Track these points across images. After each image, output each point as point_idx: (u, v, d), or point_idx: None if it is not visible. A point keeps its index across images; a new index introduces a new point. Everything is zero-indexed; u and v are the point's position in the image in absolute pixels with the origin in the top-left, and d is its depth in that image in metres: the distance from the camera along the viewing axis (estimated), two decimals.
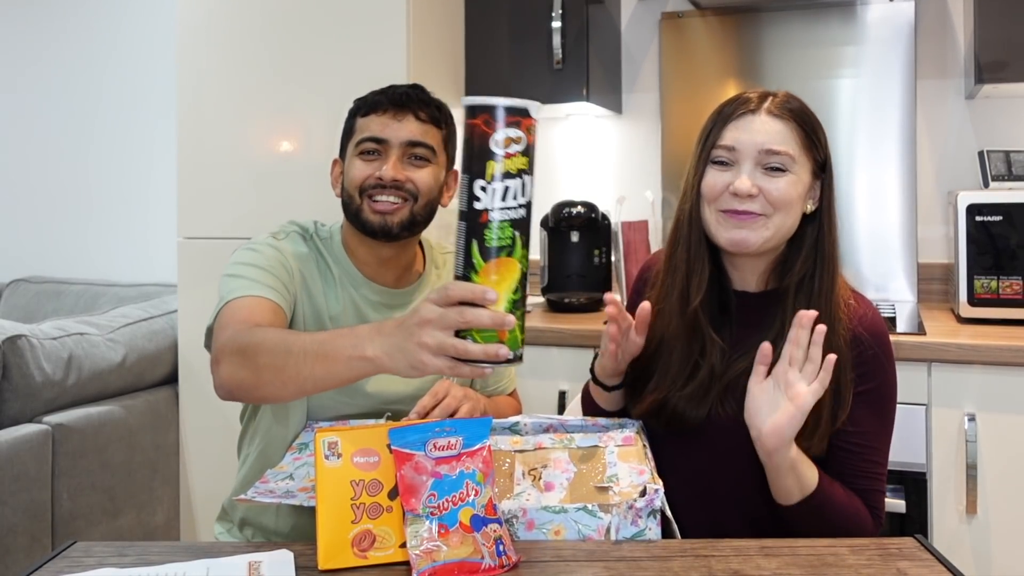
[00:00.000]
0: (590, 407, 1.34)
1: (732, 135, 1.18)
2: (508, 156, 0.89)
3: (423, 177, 1.36)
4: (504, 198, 0.90)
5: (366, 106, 1.38)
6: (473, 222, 0.90)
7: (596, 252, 2.35)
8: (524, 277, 0.92)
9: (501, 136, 0.89)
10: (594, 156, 2.68)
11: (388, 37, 2.13)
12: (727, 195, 1.18)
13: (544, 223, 2.38)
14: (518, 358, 0.93)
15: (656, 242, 2.38)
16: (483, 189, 0.89)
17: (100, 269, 3.22)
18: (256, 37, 2.25)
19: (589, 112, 2.60)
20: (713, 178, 1.19)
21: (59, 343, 2.18)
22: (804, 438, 1.12)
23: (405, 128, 1.35)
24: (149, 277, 3.07)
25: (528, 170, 0.91)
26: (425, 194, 1.36)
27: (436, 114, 1.39)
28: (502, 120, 0.89)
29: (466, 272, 0.90)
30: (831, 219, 1.21)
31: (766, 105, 1.18)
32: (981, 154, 2.16)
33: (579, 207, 2.34)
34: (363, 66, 2.14)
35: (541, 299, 2.43)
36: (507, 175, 0.90)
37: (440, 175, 1.40)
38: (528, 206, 0.92)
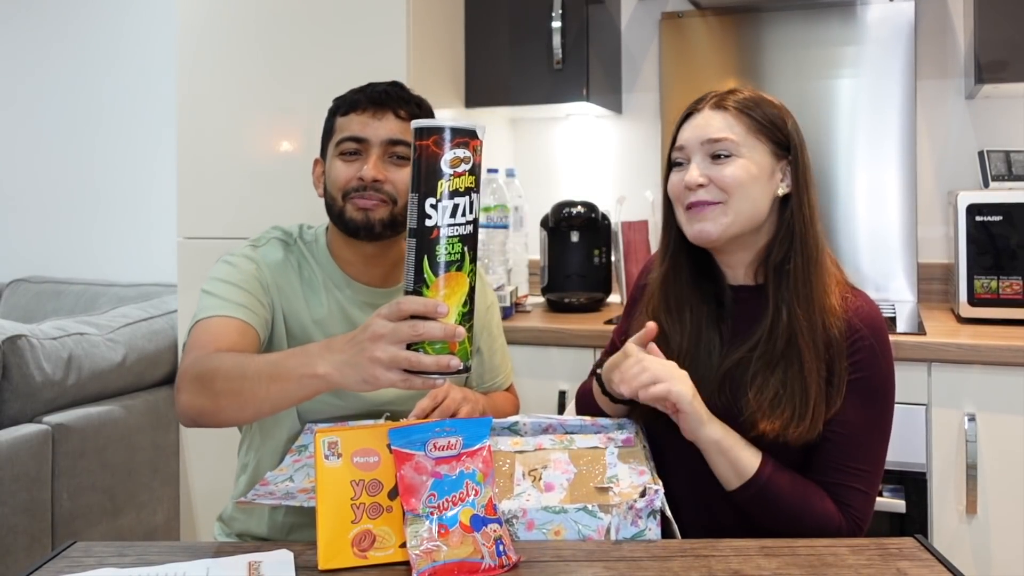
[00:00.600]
0: (587, 410, 1.35)
1: (681, 135, 1.25)
2: (457, 175, 0.93)
3: (402, 178, 1.34)
4: (453, 215, 0.93)
5: (345, 105, 1.38)
6: (424, 238, 0.93)
7: (596, 252, 2.35)
8: (472, 290, 0.95)
9: (450, 156, 0.92)
10: (594, 156, 2.68)
11: (388, 37, 2.13)
12: (683, 191, 1.22)
13: (544, 223, 2.38)
14: (467, 368, 0.96)
15: (656, 242, 2.38)
16: (433, 207, 0.93)
17: (100, 269, 3.22)
18: (256, 37, 2.25)
19: (589, 112, 2.60)
20: (672, 179, 1.26)
21: (59, 343, 2.18)
22: (796, 421, 1.14)
23: (384, 127, 1.34)
24: (149, 277, 3.07)
25: (475, 188, 0.94)
26: (404, 194, 1.35)
27: (416, 111, 1.39)
28: (451, 141, 0.92)
29: (417, 287, 0.93)
30: (801, 199, 1.21)
31: (711, 102, 1.23)
32: (981, 154, 2.16)
33: (579, 207, 2.34)
34: (363, 66, 2.14)
35: (541, 299, 2.43)
36: (455, 193, 0.93)
37: None
38: (475, 222, 0.95)
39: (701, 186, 1.20)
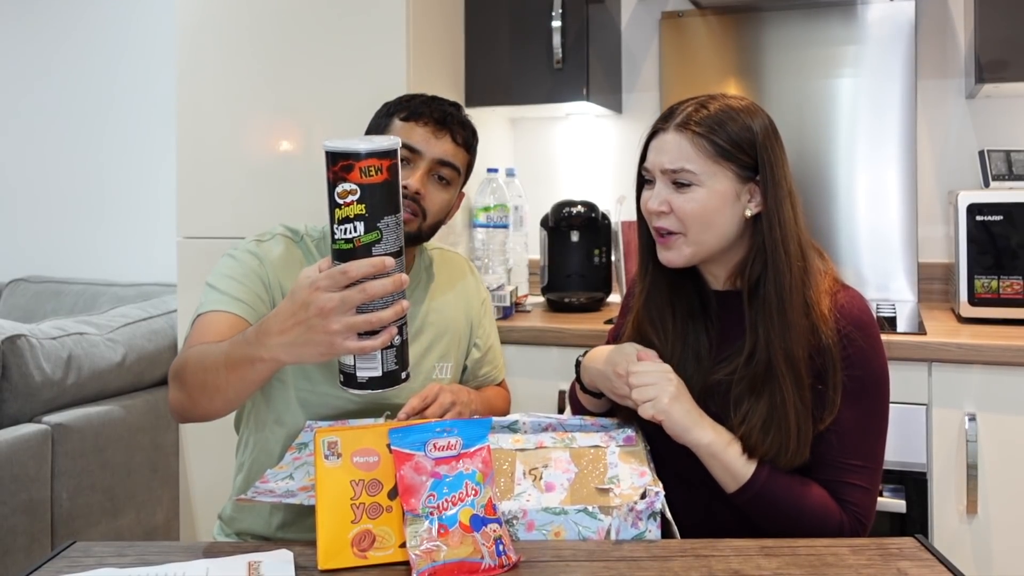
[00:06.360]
0: (577, 408, 1.35)
1: (649, 156, 1.24)
2: (346, 204, 0.96)
3: (438, 200, 1.38)
4: (345, 234, 0.97)
5: (407, 111, 1.39)
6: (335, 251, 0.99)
7: (596, 252, 2.35)
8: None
9: (338, 188, 0.96)
10: (594, 156, 2.67)
11: (388, 37, 2.12)
12: (649, 214, 1.23)
13: (544, 223, 2.38)
14: (407, 376, 1.02)
15: None
16: (336, 226, 0.97)
17: (99, 269, 3.22)
18: (256, 37, 2.25)
19: (589, 112, 2.60)
20: (643, 197, 1.25)
21: (59, 343, 2.18)
22: (783, 451, 1.14)
23: (441, 146, 1.37)
24: (149, 277, 3.06)
25: (366, 213, 0.96)
26: (434, 215, 1.39)
27: (470, 139, 1.43)
28: (331, 168, 0.96)
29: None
30: (771, 219, 1.18)
31: (676, 121, 1.20)
32: (981, 153, 2.16)
33: (579, 207, 2.34)
34: (363, 65, 2.14)
35: (541, 299, 2.43)
36: (345, 219, 0.96)
37: (453, 198, 1.44)
38: (373, 235, 0.97)
39: (664, 213, 1.20)
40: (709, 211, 1.18)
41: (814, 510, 1.14)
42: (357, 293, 0.95)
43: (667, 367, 1.18)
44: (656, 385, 1.15)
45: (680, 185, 1.19)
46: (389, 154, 0.96)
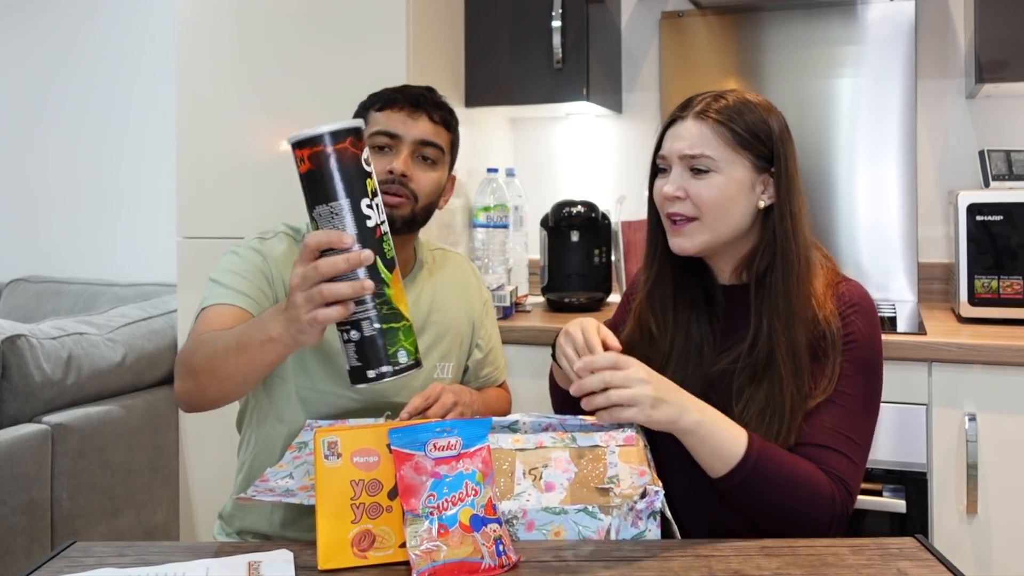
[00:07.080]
0: (556, 392, 1.36)
1: (665, 144, 1.25)
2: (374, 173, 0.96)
3: (426, 180, 1.40)
4: (381, 211, 0.96)
5: (381, 101, 1.41)
6: (370, 240, 0.94)
7: (596, 252, 2.35)
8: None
9: (366, 154, 0.95)
10: (594, 156, 2.67)
11: (388, 37, 2.12)
12: (664, 200, 1.23)
13: (544, 223, 2.38)
14: (419, 363, 0.98)
15: None
16: (369, 207, 0.94)
17: (99, 269, 3.22)
18: (256, 37, 2.25)
19: (589, 112, 2.60)
20: (656, 185, 1.26)
21: (58, 343, 2.18)
22: (776, 438, 1.14)
23: (418, 127, 1.39)
24: (148, 277, 3.07)
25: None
26: (425, 196, 1.40)
27: (448, 117, 1.44)
28: (363, 139, 0.95)
29: (380, 288, 0.95)
30: (783, 211, 1.20)
31: (695, 109, 1.22)
32: (982, 153, 2.16)
33: (579, 207, 2.34)
34: (363, 65, 2.14)
35: (541, 299, 2.43)
36: (376, 190, 0.95)
37: (443, 179, 1.45)
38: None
39: (679, 198, 1.21)
40: (726, 198, 1.19)
41: (806, 481, 1.11)
42: (311, 269, 0.94)
43: (642, 368, 1.12)
44: (633, 391, 1.09)
45: (698, 171, 1.20)
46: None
